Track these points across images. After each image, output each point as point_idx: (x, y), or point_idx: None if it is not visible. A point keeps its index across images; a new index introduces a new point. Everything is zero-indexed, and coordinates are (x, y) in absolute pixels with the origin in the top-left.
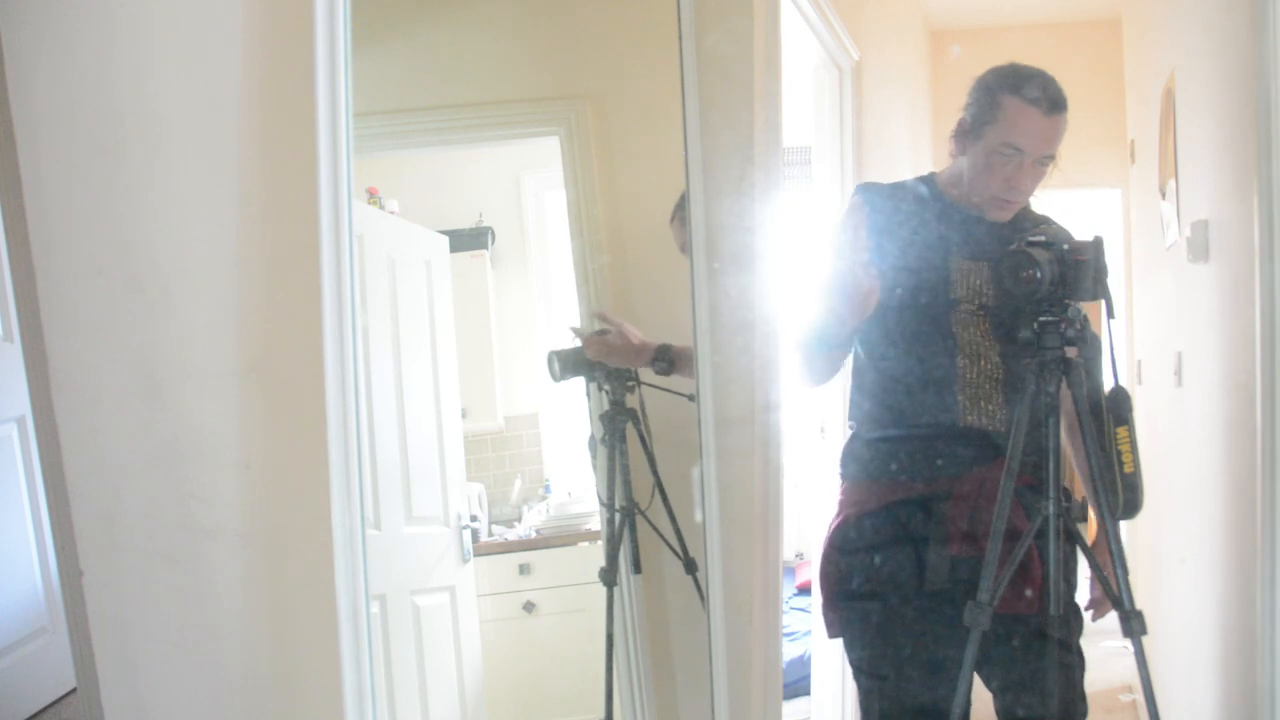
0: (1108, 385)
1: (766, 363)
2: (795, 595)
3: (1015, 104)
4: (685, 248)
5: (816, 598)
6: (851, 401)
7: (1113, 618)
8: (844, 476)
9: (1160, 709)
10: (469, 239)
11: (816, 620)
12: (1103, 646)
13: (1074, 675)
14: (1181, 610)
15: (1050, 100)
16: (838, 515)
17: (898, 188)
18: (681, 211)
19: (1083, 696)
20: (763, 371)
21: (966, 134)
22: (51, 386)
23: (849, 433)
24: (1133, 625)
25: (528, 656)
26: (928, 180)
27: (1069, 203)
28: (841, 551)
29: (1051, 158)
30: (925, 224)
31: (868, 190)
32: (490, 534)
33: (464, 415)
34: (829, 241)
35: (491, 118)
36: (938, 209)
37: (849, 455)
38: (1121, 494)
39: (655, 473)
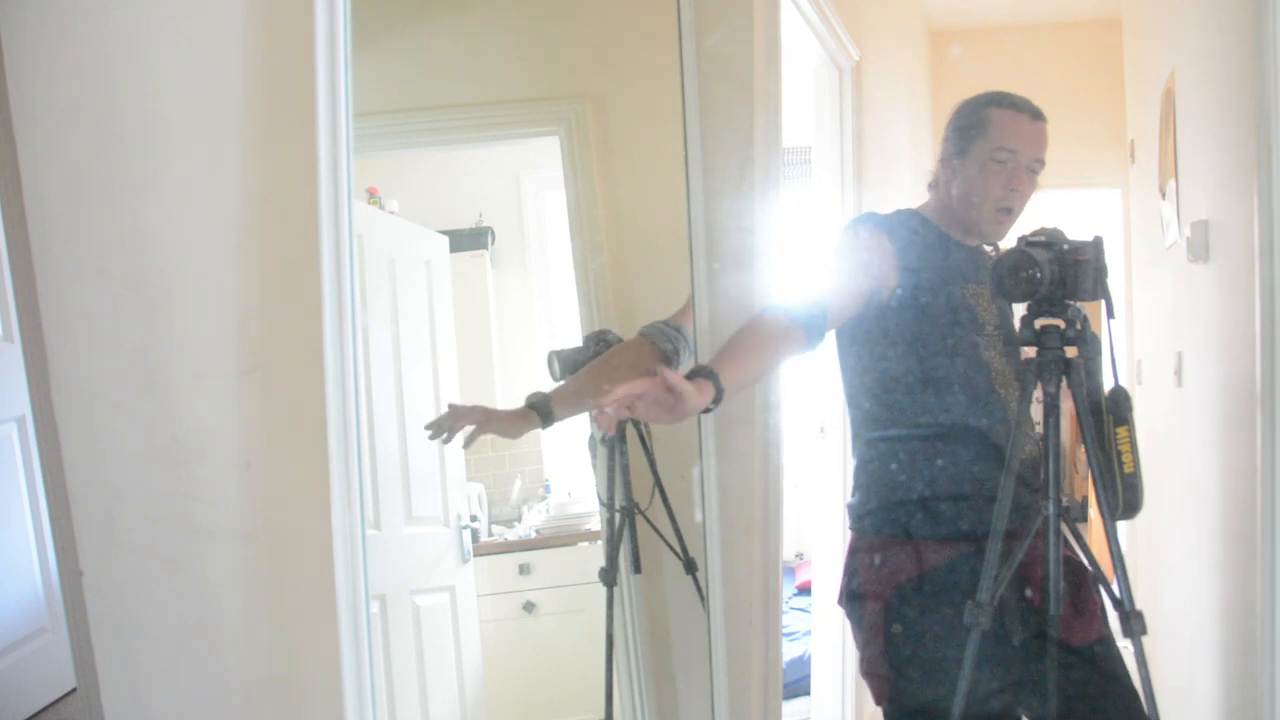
0: (1108, 385)
1: None
2: (795, 595)
3: (1001, 112)
4: None
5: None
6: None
7: (1113, 618)
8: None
9: (1160, 709)
10: (469, 239)
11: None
12: None
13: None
14: (1181, 610)
15: (1033, 110)
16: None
17: (897, 217)
18: None
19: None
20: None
21: (953, 156)
22: (51, 386)
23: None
24: (1133, 625)
25: (528, 656)
26: (913, 214)
27: (1069, 203)
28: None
29: (1041, 163)
30: (936, 253)
31: (876, 220)
32: (490, 534)
33: None
34: (836, 255)
35: (491, 118)
36: (933, 241)
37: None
38: (1121, 494)
39: (655, 473)
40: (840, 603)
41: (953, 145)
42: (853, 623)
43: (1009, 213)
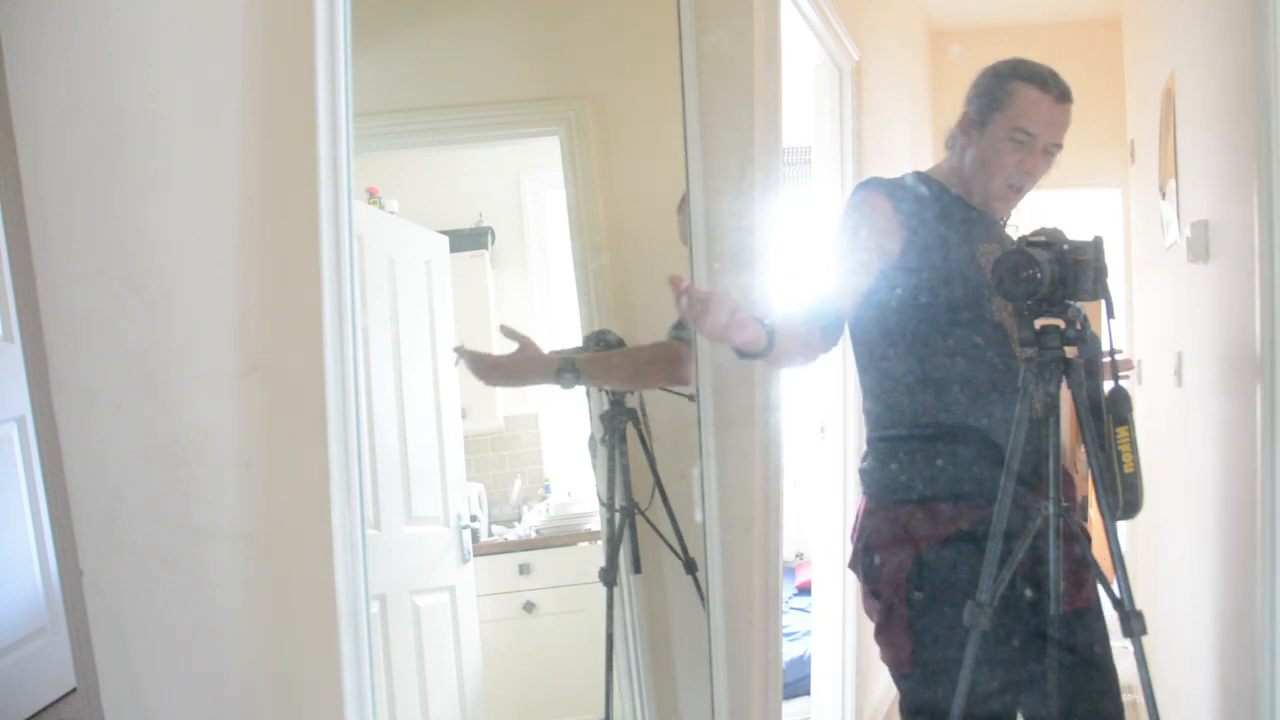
0: (1108, 385)
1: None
2: (795, 595)
3: (1026, 90)
4: (686, 238)
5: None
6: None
7: (1113, 617)
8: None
9: (1160, 709)
10: (469, 239)
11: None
12: None
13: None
14: (1181, 610)
15: (1060, 89)
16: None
17: (902, 182)
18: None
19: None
20: (763, 371)
21: (972, 125)
22: (51, 386)
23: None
24: (1133, 625)
25: (528, 656)
26: (923, 178)
27: (1069, 203)
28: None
29: (1059, 146)
30: (944, 216)
31: (880, 184)
32: (490, 534)
33: (464, 415)
34: (841, 228)
35: (491, 118)
36: (942, 205)
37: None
38: (1121, 494)
39: (655, 473)
40: (853, 566)
41: (973, 112)
42: (868, 590)
43: (1018, 191)
